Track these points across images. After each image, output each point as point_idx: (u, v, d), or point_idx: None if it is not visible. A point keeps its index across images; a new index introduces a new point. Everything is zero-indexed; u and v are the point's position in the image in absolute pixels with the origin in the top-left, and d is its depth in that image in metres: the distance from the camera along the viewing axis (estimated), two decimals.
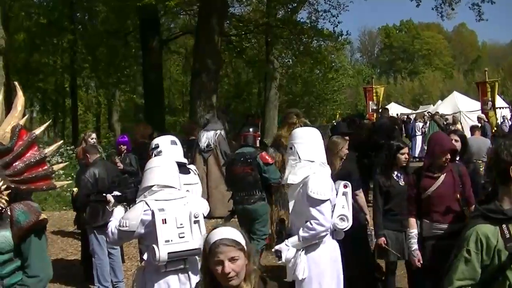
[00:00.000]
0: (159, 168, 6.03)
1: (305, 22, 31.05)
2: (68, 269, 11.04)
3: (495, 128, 24.83)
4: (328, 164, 6.29)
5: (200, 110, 21.57)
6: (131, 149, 13.78)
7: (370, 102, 29.57)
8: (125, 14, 28.97)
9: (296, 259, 5.92)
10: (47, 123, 6.16)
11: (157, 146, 6.91)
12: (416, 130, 30.75)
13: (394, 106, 50.70)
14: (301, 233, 5.88)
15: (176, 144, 7.04)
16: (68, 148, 22.69)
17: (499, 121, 26.98)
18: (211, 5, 22.34)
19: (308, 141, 6.11)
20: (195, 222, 5.75)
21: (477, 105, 30.85)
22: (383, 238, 7.85)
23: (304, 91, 47.88)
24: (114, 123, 46.21)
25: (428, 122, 30.00)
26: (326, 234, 5.97)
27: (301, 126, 9.63)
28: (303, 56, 31.96)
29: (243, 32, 31.69)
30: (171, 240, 5.61)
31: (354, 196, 8.33)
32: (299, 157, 6.04)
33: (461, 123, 27.30)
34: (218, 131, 16.40)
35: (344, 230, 6.17)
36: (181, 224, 5.70)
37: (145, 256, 5.86)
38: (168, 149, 6.83)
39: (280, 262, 6.07)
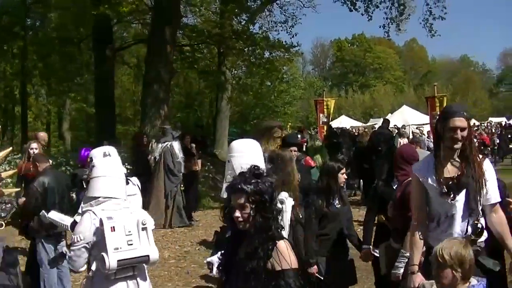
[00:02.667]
0: (105, 178, 6.06)
1: (257, 33, 31.15)
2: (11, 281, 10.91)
3: None
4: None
5: (151, 119, 21.51)
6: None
7: (321, 115, 29.65)
8: (78, 21, 28.77)
9: None
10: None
11: (91, 159, 6.85)
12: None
13: (344, 119, 51.14)
14: None
15: (110, 156, 6.88)
16: (16, 156, 22.34)
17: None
18: (164, 14, 22.29)
19: (244, 154, 6.10)
20: (143, 229, 5.78)
21: (426, 118, 31.28)
22: (315, 267, 7.56)
23: (255, 103, 47.93)
24: (64, 131, 45.74)
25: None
26: None
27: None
28: (255, 67, 32.06)
29: (195, 43, 31.65)
30: (120, 248, 5.62)
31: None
32: (235, 171, 5.99)
33: (408, 137, 27.62)
34: (168, 143, 16.44)
35: None
36: (130, 232, 5.72)
37: (93, 266, 5.83)
38: (101, 161, 6.66)
39: (211, 274, 6.03)
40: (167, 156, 15.85)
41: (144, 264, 5.93)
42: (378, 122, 46.34)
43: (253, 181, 4.17)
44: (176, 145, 16.46)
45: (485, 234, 5.45)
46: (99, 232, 5.68)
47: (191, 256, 13.17)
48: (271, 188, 4.25)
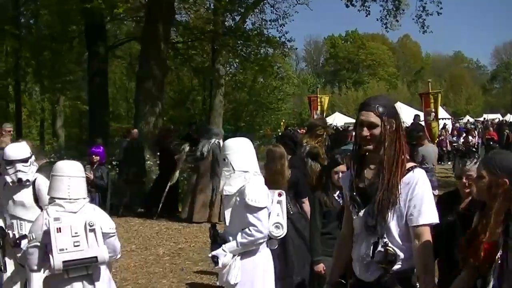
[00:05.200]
0: (63, 178, 6.04)
1: (251, 29, 31.12)
2: None
3: (437, 139, 25.27)
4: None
5: (145, 116, 21.52)
6: (104, 162, 13.82)
7: (315, 111, 29.68)
8: (70, 19, 28.70)
9: (230, 264, 5.98)
10: None
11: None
12: None
13: (338, 116, 51.23)
14: (239, 239, 5.94)
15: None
16: None
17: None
18: (158, 11, 22.27)
19: (240, 152, 6.17)
20: (91, 230, 5.76)
21: (420, 115, 31.30)
22: (321, 265, 7.24)
23: (248, 99, 47.92)
24: (58, 129, 45.67)
25: None
26: (264, 241, 6.07)
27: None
28: (249, 63, 32.08)
29: (189, 40, 31.64)
30: (66, 249, 5.63)
31: (301, 203, 8.47)
32: (233, 168, 6.10)
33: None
34: (214, 140, 16.61)
35: (278, 238, 6.25)
36: (76, 233, 5.71)
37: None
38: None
39: (216, 267, 6.10)
40: (216, 153, 15.84)
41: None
42: None
43: None
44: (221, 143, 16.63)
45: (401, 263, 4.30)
46: (48, 233, 5.70)
47: (185, 253, 13.17)
48: None
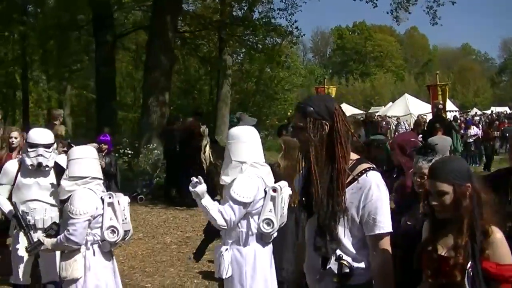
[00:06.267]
0: (89, 160, 6.37)
1: (259, 18, 31.05)
2: None
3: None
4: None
5: (152, 106, 21.50)
6: (111, 150, 13.88)
7: None
8: (78, 7, 28.71)
9: (219, 258, 5.91)
10: None
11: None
12: None
13: (345, 107, 51.10)
14: (215, 205, 5.81)
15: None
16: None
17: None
18: (165, 1, 22.26)
19: (240, 142, 6.01)
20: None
21: (427, 107, 31.23)
22: None
23: (255, 89, 47.87)
24: (65, 117, 45.69)
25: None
26: (223, 229, 5.86)
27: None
28: (256, 53, 32.05)
29: (196, 29, 31.61)
30: (123, 220, 6.22)
31: None
32: (231, 158, 5.99)
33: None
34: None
35: (271, 234, 6.06)
36: (123, 208, 6.27)
37: (89, 242, 6.17)
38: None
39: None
40: None
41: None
42: (379, 110, 46.47)
43: None
44: None
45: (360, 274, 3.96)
46: (101, 206, 6.10)
47: (192, 242, 13.15)
48: None
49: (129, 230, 6.37)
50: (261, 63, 37.92)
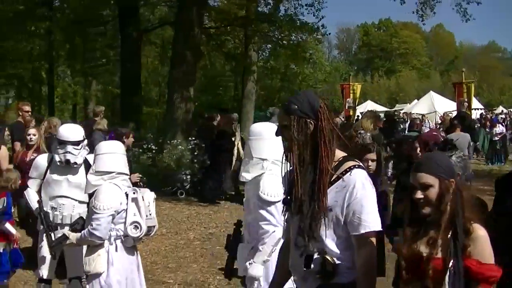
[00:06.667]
0: (116, 155, 6.42)
1: (285, 15, 31.02)
2: None
3: None
4: None
5: (177, 101, 21.49)
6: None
7: (347, 99, 29.62)
8: (104, 2, 28.84)
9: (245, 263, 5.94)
10: None
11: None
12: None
13: (370, 104, 50.95)
14: (259, 246, 5.81)
15: None
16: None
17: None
18: None
19: (262, 138, 5.98)
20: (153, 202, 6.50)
21: (452, 105, 31.10)
22: None
23: (280, 86, 47.87)
24: (90, 112, 45.90)
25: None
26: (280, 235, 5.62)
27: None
28: (283, 49, 32.06)
29: (222, 25, 31.60)
30: (147, 216, 6.27)
31: None
32: (251, 155, 5.98)
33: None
34: None
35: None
36: (148, 204, 6.31)
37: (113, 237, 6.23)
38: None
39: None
40: None
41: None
42: (404, 108, 46.25)
43: None
44: None
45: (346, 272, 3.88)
46: (125, 202, 6.17)
47: (216, 238, 13.18)
48: None
49: (154, 226, 6.41)
50: (286, 59, 37.87)
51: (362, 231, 3.77)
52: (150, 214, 6.30)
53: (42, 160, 7.66)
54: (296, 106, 3.82)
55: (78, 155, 7.34)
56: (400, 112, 41.08)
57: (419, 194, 3.74)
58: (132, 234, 6.11)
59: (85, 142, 7.58)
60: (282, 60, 39.36)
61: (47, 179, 7.47)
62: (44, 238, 7.35)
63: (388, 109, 49.82)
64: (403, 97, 75.41)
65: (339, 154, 3.93)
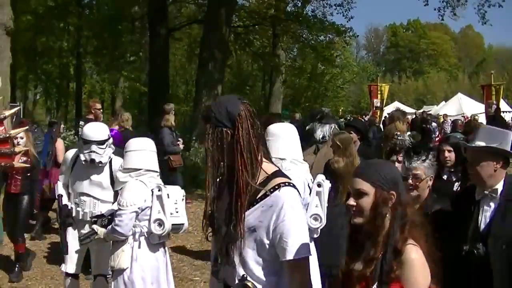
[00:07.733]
0: (145, 152, 6.44)
1: (313, 15, 31.00)
2: None
3: None
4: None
5: (205, 99, 21.54)
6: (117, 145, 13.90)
7: (375, 100, 29.54)
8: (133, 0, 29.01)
9: None
10: (15, 109, 6.55)
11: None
12: None
13: (397, 105, 50.76)
14: None
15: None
16: (69, 133, 22.57)
17: None
18: None
19: (279, 139, 5.92)
20: (182, 200, 6.45)
21: (481, 107, 30.83)
22: None
23: (307, 86, 47.82)
24: (117, 109, 46.12)
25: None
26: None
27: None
28: (311, 49, 32.03)
29: (250, 24, 31.63)
30: (172, 214, 6.22)
31: None
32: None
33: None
34: (333, 125, 16.65)
35: (317, 229, 6.03)
36: (176, 201, 6.29)
37: (137, 233, 6.24)
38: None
39: None
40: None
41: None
42: (431, 110, 45.98)
43: None
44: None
45: None
46: (150, 199, 6.13)
47: None
48: None
49: (182, 224, 6.38)
50: (313, 59, 37.86)
51: (289, 258, 3.30)
52: (177, 212, 6.29)
53: (70, 154, 7.69)
54: (213, 114, 3.37)
55: (103, 154, 7.31)
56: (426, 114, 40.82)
57: (351, 201, 3.38)
58: (156, 231, 6.10)
59: (110, 140, 7.56)
60: (310, 60, 39.31)
61: (72, 175, 7.51)
62: (71, 232, 7.39)
63: (416, 110, 49.60)
64: (431, 98, 75.02)
65: (270, 168, 3.50)
